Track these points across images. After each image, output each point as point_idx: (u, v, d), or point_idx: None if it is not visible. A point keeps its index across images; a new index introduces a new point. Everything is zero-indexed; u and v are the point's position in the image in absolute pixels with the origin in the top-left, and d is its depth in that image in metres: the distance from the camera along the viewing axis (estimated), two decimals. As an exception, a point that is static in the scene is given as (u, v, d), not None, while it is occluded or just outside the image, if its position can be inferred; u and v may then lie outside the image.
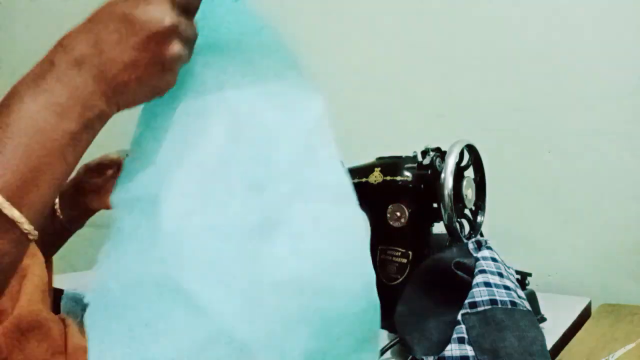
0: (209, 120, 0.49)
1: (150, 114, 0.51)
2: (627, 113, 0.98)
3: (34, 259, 0.60)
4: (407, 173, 0.85)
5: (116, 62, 0.42)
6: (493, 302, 0.65)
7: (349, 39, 1.27)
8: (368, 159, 0.91)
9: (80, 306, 0.90)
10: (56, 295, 0.76)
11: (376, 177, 0.87)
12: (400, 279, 0.84)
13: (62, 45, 0.44)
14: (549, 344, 0.69)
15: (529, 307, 0.67)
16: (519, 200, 1.07)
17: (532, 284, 0.83)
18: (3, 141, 0.38)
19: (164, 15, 0.43)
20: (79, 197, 0.79)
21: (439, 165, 0.83)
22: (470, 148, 0.86)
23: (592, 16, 1.00)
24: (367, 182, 0.88)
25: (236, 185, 0.47)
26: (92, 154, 0.66)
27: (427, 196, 0.84)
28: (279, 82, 0.57)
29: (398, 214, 0.85)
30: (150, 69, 0.43)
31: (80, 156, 0.43)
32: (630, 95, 0.97)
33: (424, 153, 0.85)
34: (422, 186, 0.84)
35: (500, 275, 0.69)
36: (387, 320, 0.80)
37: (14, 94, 0.41)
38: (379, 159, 0.90)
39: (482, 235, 0.87)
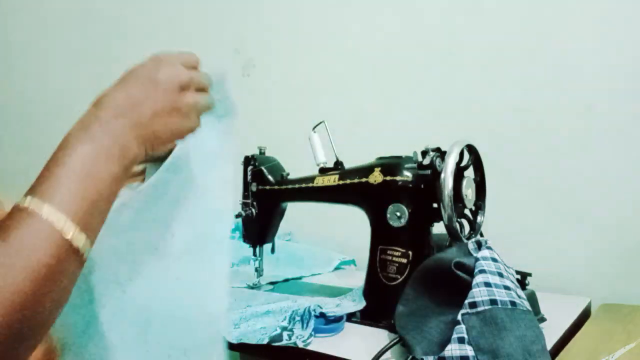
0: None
1: None
2: (627, 113, 0.97)
3: None
4: (407, 173, 0.85)
5: (146, 113, 0.53)
6: (493, 302, 0.65)
7: (349, 38, 1.27)
8: (368, 159, 0.92)
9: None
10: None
11: (376, 177, 0.87)
12: (400, 279, 0.84)
13: (101, 102, 0.54)
14: (549, 344, 0.69)
15: (529, 307, 0.67)
16: (519, 200, 1.07)
17: (532, 284, 0.83)
18: (62, 180, 0.47)
19: (178, 72, 0.57)
20: None
21: (439, 165, 0.83)
22: (470, 148, 0.86)
23: (593, 16, 1.00)
24: (367, 182, 0.88)
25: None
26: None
27: (427, 196, 0.84)
28: None
29: (398, 214, 0.85)
30: (174, 115, 0.55)
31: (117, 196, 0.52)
32: (630, 96, 0.97)
33: (424, 153, 0.85)
34: (422, 186, 0.84)
35: (500, 275, 0.69)
36: (387, 320, 0.81)
37: (66, 142, 0.50)
38: (379, 159, 0.90)
39: (482, 235, 0.87)
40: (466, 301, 0.66)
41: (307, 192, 0.95)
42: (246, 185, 1.03)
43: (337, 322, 0.83)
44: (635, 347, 0.73)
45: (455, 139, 0.84)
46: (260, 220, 1.03)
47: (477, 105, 1.11)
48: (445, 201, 0.79)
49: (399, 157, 0.88)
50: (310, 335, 0.79)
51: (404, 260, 0.85)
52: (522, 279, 0.79)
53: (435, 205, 0.83)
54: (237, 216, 1.02)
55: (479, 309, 0.65)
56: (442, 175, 0.80)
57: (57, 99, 1.82)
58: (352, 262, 1.23)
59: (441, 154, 0.85)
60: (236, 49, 1.43)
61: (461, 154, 0.83)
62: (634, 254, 0.97)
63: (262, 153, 1.04)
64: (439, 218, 0.81)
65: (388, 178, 0.86)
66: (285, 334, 0.78)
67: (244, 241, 1.06)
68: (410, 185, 0.85)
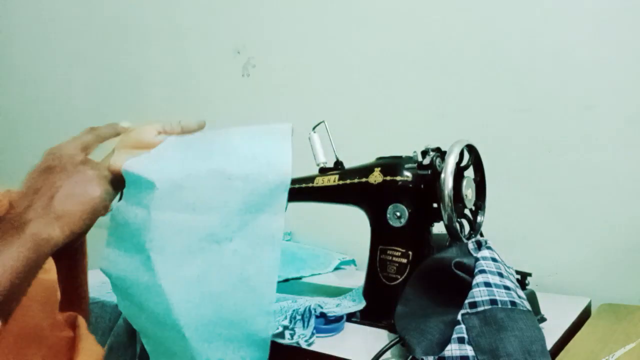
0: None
1: None
2: (627, 113, 0.97)
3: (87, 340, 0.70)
4: (407, 173, 0.85)
5: (46, 197, 0.57)
6: (493, 302, 0.65)
7: (349, 38, 1.27)
8: (368, 159, 0.92)
9: (107, 312, 0.92)
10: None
11: (376, 177, 0.87)
12: (400, 279, 0.84)
13: (13, 202, 0.58)
14: (549, 344, 0.69)
15: (529, 307, 0.67)
16: (519, 200, 1.07)
17: (532, 284, 0.83)
18: None
19: (68, 151, 0.61)
20: None
21: (439, 165, 0.83)
22: (470, 148, 0.86)
23: (593, 15, 1.00)
24: (367, 182, 0.88)
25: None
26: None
27: (427, 196, 0.84)
28: None
29: (398, 214, 0.85)
30: (76, 189, 0.59)
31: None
32: (630, 95, 0.97)
33: (424, 153, 0.85)
34: (422, 186, 0.84)
35: (500, 275, 0.69)
36: (387, 320, 0.81)
37: None
38: (379, 159, 0.90)
39: (482, 235, 0.87)
40: (466, 301, 0.66)
41: (307, 192, 0.95)
42: (246, 185, 1.03)
43: (337, 322, 0.83)
44: (635, 347, 0.73)
45: (455, 139, 0.83)
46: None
47: (477, 105, 1.11)
48: (445, 201, 0.79)
49: (399, 157, 0.88)
50: (312, 334, 0.79)
51: (404, 260, 0.85)
52: (522, 279, 0.79)
53: (435, 205, 0.83)
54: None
55: (479, 309, 0.65)
56: (442, 175, 0.80)
57: (57, 98, 1.83)
58: (352, 262, 1.23)
59: (441, 154, 0.85)
60: (236, 49, 1.43)
61: (461, 154, 0.83)
62: (634, 254, 0.97)
63: (262, 153, 1.04)
64: (439, 218, 0.81)
65: (388, 178, 0.86)
66: (287, 333, 0.78)
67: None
68: (410, 185, 0.85)
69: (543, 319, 0.79)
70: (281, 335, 0.78)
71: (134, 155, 0.67)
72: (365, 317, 0.86)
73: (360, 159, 0.92)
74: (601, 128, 0.99)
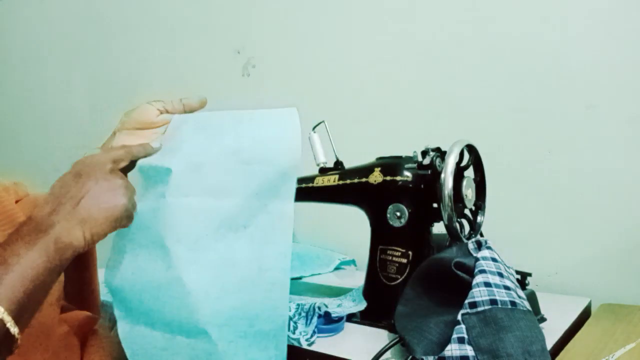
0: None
1: None
2: (627, 113, 0.97)
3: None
4: (407, 173, 0.85)
5: (73, 201, 0.57)
6: (493, 302, 0.65)
7: (349, 38, 1.27)
8: (368, 159, 0.92)
9: (107, 312, 0.92)
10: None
11: (376, 177, 0.87)
12: (400, 279, 0.84)
13: (36, 204, 0.60)
14: (549, 344, 0.69)
15: (529, 307, 0.67)
16: (519, 200, 1.07)
17: (532, 284, 0.83)
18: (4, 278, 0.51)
19: (99, 160, 0.62)
20: None
21: (439, 165, 0.83)
22: (470, 148, 0.86)
23: (593, 15, 1.00)
24: (367, 182, 0.88)
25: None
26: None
27: (427, 196, 0.84)
28: None
29: (398, 214, 0.85)
30: (102, 196, 0.59)
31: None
32: (630, 95, 0.97)
33: (424, 153, 0.85)
34: (422, 186, 0.84)
35: (500, 275, 0.69)
36: (387, 320, 0.81)
37: (8, 242, 0.54)
38: (379, 159, 0.90)
39: (482, 235, 0.87)
40: (466, 301, 0.66)
41: (307, 192, 0.95)
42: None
43: (337, 322, 0.83)
44: (635, 347, 0.73)
45: (455, 139, 0.83)
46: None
47: (477, 105, 1.11)
48: (445, 201, 0.79)
49: (399, 157, 0.88)
50: (314, 333, 0.79)
51: (404, 260, 0.85)
52: (522, 279, 0.79)
53: (435, 205, 0.83)
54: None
55: (479, 309, 0.65)
56: (442, 175, 0.80)
57: (56, 98, 1.83)
58: (352, 262, 1.23)
59: (441, 154, 0.85)
60: (236, 49, 1.43)
61: (461, 154, 0.83)
62: (634, 254, 0.97)
63: (262, 153, 1.04)
64: (439, 218, 0.81)
65: (388, 178, 0.86)
66: (290, 324, 0.78)
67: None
68: (410, 185, 0.85)
69: (543, 319, 0.79)
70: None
71: (135, 136, 0.66)
72: (365, 317, 0.86)
73: (360, 159, 0.92)
74: (601, 128, 0.99)
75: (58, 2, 1.80)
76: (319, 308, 0.82)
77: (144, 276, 0.63)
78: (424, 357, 0.64)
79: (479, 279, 0.67)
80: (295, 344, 0.77)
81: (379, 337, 0.81)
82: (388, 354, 0.71)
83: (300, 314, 0.81)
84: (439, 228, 0.85)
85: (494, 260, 0.71)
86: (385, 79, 1.22)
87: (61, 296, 0.69)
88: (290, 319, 0.79)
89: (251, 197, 0.63)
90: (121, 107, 0.68)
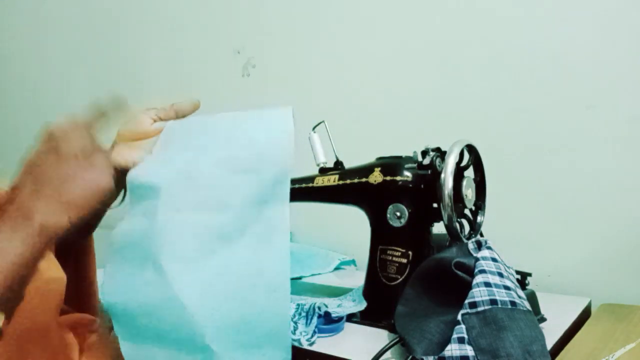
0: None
1: None
2: (627, 113, 0.97)
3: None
4: (407, 173, 0.85)
5: (54, 182, 0.55)
6: (493, 302, 0.65)
7: (349, 38, 1.27)
8: (368, 159, 0.92)
9: (107, 313, 0.91)
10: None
11: (376, 177, 0.87)
12: (400, 279, 0.84)
13: (16, 191, 0.55)
14: (549, 344, 0.69)
15: (529, 307, 0.67)
16: (519, 200, 1.07)
17: (532, 284, 0.83)
18: None
19: (77, 138, 0.59)
20: None
21: (439, 165, 0.83)
22: (470, 148, 0.86)
23: (593, 15, 1.00)
24: (367, 182, 0.88)
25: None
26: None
27: (427, 196, 0.84)
28: None
29: (398, 214, 0.85)
30: (86, 175, 0.57)
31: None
32: (630, 95, 0.97)
33: (424, 153, 0.85)
34: (422, 186, 0.84)
35: (500, 275, 0.69)
36: (387, 320, 0.81)
37: None
38: (379, 159, 0.90)
39: (482, 235, 0.87)
40: (466, 301, 0.66)
41: (307, 192, 0.95)
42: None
43: (337, 322, 0.83)
44: (635, 347, 0.73)
45: (455, 139, 0.83)
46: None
47: (477, 105, 1.11)
48: (445, 201, 0.79)
49: (399, 157, 0.88)
50: (314, 333, 0.79)
51: (404, 260, 0.85)
52: (522, 279, 0.79)
53: (435, 205, 0.83)
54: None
55: (479, 309, 0.65)
56: (442, 175, 0.80)
57: (56, 98, 1.83)
58: (352, 262, 1.23)
59: (441, 154, 0.85)
60: (236, 49, 1.43)
61: (461, 154, 0.83)
62: (634, 254, 0.97)
63: (262, 153, 1.04)
64: (439, 218, 0.81)
65: (388, 178, 0.86)
66: (291, 324, 0.78)
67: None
68: (410, 185, 0.85)
69: (543, 319, 0.79)
70: None
71: (133, 148, 0.65)
72: (365, 317, 0.86)
73: (360, 159, 0.92)
74: (601, 128, 0.99)
75: (58, 2, 1.80)
76: (319, 308, 0.82)
77: (140, 297, 0.61)
78: (424, 357, 0.64)
79: (479, 279, 0.67)
80: (296, 344, 0.77)
81: (379, 337, 0.81)
82: (388, 354, 0.71)
83: (300, 314, 0.81)
84: (439, 228, 0.85)
85: (494, 260, 0.71)
86: (386, 79, 1.22)
87: (62, 299, 0.69)
88: (291, 319, 0.78)
89: (245, 206, 0.62)
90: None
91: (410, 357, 0.67)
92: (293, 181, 0.99)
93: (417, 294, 0.76)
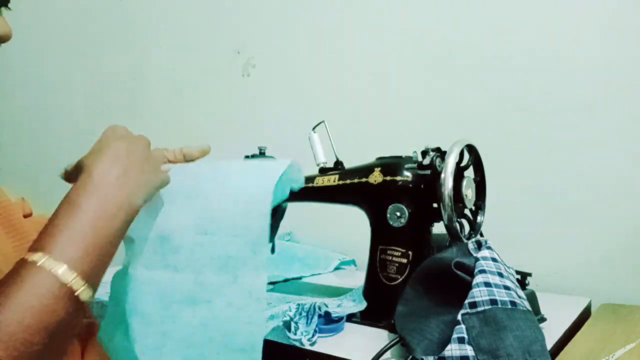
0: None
1: None
2: (626, 113, 0.97)
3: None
4: (407, 173, 0.85)
5: (135, 163, 0.58)
6: (493, 302, 0.65)
7: (349, 39, 1.27)
8: (368, 159, 0.92)
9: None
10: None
11: (376, 177, 0.87)
12: (400, 279, 0.84)
13: (89, 172, 0.55)
14: (549, 344, 0.69)
15: (529, 307, 0.67)
16: (519, 200, 1.07)
17: (532, 284, 0.83)
18: (72, 236, 0.50)
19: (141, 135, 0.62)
20: None
21: (439, 165, 0.83)
22: (470, 148, 0.86)
23: (593, 16, 1.00)
24: (367, 182, 0.88)
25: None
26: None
27: (427, 196, 0.84)
28: None
29: (398, 214, 0.85)
30: (148, 168, 0.60)
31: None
32: (630, 96, 0.97)
33: (424, 153, 0.85)
34: (422, 186, 0.84)
35: (500, 275, 0.69)
36: (387, 320, 0.81)
37: (72, 197, 0.53)
38: (379, 159, 0.90)
39: (482, 235, 0.87)
40: (466, 301, 0.66)
41: (307, 192, 0.95)
42: (246, 185, 1.03)
43: (337, 322, 0.83)
44: (635, 347, 0.73)
45: (455, 139, 0.83)
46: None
47: (477, 105, 1.11)
48: (445, 201, 0.79)
49: (399, 157, 0.88)
50: (315, 332, 0.79)
51: (404, 260, 0.85)
52: (522, 279, 0.79)
53: (435, 205, 0.83)
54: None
55: (479, 309, 0.65)
56: (442, 175, 0.80)
57: (56, 99, 1.83)
58: (352, 262, 1.23)
59: (441, 154, 0.85)
60: (236, 49, 1.43)
61: (461, 154, 0.83)
62: (634, 254, 0.97)
63: (262, 153, 1.04)
64: (439, 218, 0.81)
65: (388, 178, 0.86)
66: (292, 324, 0.78)
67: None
68: (410, 185, 0.85)
69: (543, 319, 0.79)
70: (288, 324, 0.78)
71: None
72: (365, 317, 0.86)
73: (360, 159, 0.92)
74: (601, 128, 0.99)
75: (58, 2, 1.80)
76: (319, 308, 0.82)
77: (124, 355, 0.62)
78: (424, 357, 0.64)
79: (479, 278, 0.67)
80: (297, 344, 0.77)
81: (379, 337, 0.81)
82: (388, 354, 0.71)
83: (300, 314, 0.81)
84: (439, 228, 0.85)
85: (494, 260, 0.71)
86: (386, 79, 1.22)
87: None
88: (291, 319, 0.78)
89: (218, 270, 0.61)
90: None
91: (410, 357, 0.67)
92: (293, 181, 0.99)
93: (417, 294, 0.76)
